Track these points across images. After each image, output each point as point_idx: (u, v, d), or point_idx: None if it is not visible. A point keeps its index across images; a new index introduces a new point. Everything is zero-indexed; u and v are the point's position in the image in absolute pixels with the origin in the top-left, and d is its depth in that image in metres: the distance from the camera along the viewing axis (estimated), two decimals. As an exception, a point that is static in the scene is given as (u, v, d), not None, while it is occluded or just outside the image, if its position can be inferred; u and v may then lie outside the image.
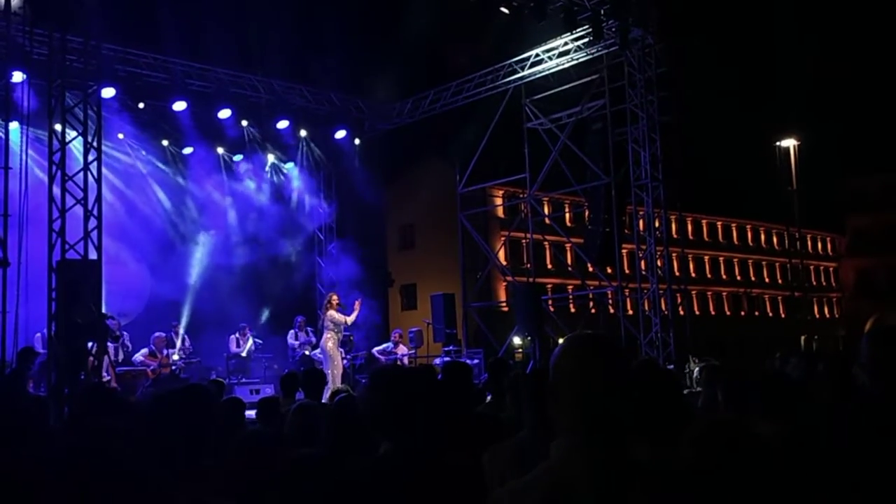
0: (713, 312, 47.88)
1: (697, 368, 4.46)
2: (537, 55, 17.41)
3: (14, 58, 11.03)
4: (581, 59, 16.89)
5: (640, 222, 16.97)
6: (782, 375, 3.51)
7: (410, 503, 2.48)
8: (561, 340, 2.06)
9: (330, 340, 13.99)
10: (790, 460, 2.65)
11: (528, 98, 18.57)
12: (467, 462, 2.63)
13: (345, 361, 15.22)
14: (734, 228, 51.10)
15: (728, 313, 49.15)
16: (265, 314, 17.98)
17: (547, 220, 21.17)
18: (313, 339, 15.96)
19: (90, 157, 10.40)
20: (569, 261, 30.24)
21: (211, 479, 2.42)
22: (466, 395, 3.78)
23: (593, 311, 26.81)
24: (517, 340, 21.18)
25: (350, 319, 14.13)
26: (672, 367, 14.52)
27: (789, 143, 28.14)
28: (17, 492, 2.87)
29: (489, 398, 6.04)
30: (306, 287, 19.49)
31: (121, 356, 13.92)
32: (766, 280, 52.61)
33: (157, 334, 14.50)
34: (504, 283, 33.44)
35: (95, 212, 10.32)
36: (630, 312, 17.51)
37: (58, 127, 10.37)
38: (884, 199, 51.09)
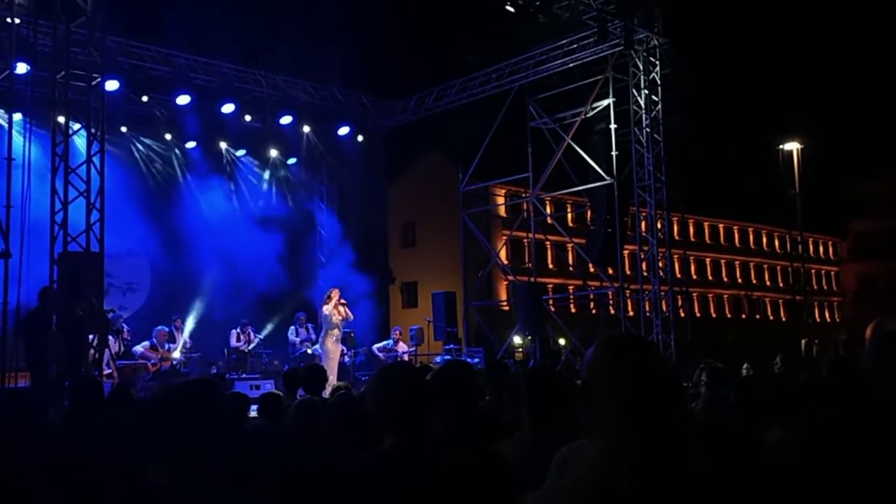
0: (714, 315, 47.88)
1: (705, 373, 4.36)
2: (542, 54, 17.40)
3: (18, 49, 11.01)
4: (586, 59, 16.88)
5: (643, 223, 16.97)
6: (789, 379, 3.50)
7: (413, 498, 2.48)
8: (562, 342, 2.03)
9: (329, 337, 13.97)
10: (797, 464, 2.64)
11: (532, 97, 18.56)
12: (469, 459, 2.62)
13: (346, 358, 15.21)
14: (736, 231, 51.10)
15: (729, 316, 49.14)
16: (272, 323, 17.88)
17: (549, 220, 21.16)
18: (314, 336, 15.95)
19: (93, 150, 10.39)
20: (570, 261, 30.24)
21: (214, 474, 2.41)
22: (469, 394, 3.77)
23: (594, 311, 26.80)
24: (518, 340, 21.19)
25: (338, 313, 14.04)
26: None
27: (792, 146, 28.07)
28: (19, 483, 2.87)
29: (487, 398, 6.03)
30: (307, 283, 19.48)
31: (121, 349, 13.92)
32: (768, 283, 52.60)
33: (159, 328, 14.51)
34: (505, 283, 33.44)
35: (98, 204, 10.31)
36: (631, 313, 17.49)
37: (61, 119, 10.36)
38: (886, 204, 51.05)
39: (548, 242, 26.15)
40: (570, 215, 29.63)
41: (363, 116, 19.56)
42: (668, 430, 1.75)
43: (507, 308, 27.39)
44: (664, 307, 16.56)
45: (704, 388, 4.54)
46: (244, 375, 15.00)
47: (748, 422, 3.39)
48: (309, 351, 15.76)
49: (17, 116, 12.58)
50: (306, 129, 18.67)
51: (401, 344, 16.82)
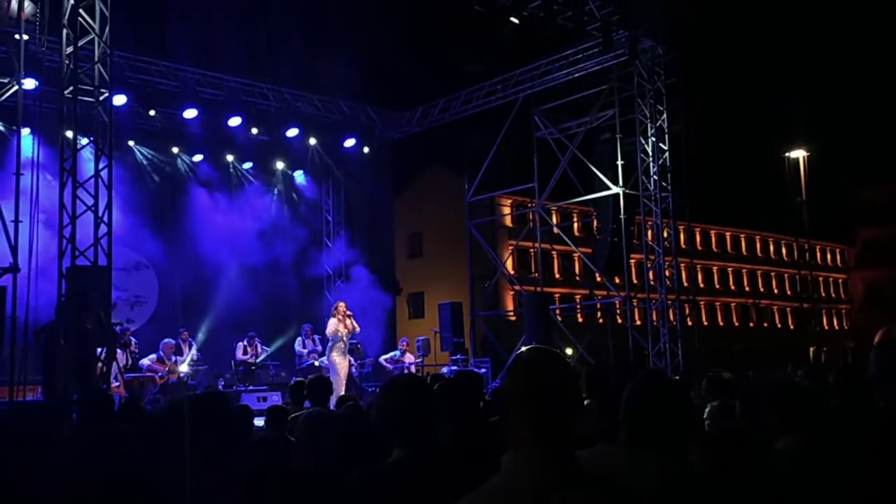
0: (721, 323, 47.68)
1: (705, 382, 4.38)
2: (547, 65, 17.45)
3: (27, 65, 11.10)
4: (591, 69, 16.92)
5: (649, 232, 16.96)
6: (798, 388, 3.50)
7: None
8: (569, 352, 2.10)
9: (335, 349, 13.95)
10: (805, 472, 2.64)
11: (537, 107, 18.60)
12: (477, 471, 2.63)
13: (353, 369, 15.20)
14: (743, 239, 50.93)
15: (736, 324, 48.92)
16: (279, 335, 17.81)
17: (555, 230, 21.16)
18: (320, 348, 15.94)
19: (101, 164, 10.45)
20: (577, 270, 30.20)
21: (222, 485, 2.43)
22: (477, 406, 3.78)
23: (601, 320, 26.74)
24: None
25: (344, 326, 14.02)
26: (678, 377, 14.48)
27: (799, 153, 28.07)
28: (29, 498, 2.89)
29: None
30: (314, 295, 19.48)
31: (128, 362, 13.94)
32: (775, 291, 52.39)
33: (166, 341, 14.54)
34: (512, 293, 33.40)
35: (106, 218, 10.36)
36: (638, 323, 17.47)
37: (69, 134, 10.43)
38: (894, 211, 50.85)
39: (554, 252, 26.18)
40: (576, 225, 29.61)
41: (369, 128, 19.63)
42: (570, 442, 1.89)
43: (513, 318, 27.36)
44: (671, 316, 16.53)
45: (705, 397, 4.55)
46: (251, 387, 15.01)
47: (755, 430, 3.39)
48: (316, 363, 15.74)
49: (26, 131, 12.66)
50: (312, 141, 18.72)
51: (407, 355, 16.81)
